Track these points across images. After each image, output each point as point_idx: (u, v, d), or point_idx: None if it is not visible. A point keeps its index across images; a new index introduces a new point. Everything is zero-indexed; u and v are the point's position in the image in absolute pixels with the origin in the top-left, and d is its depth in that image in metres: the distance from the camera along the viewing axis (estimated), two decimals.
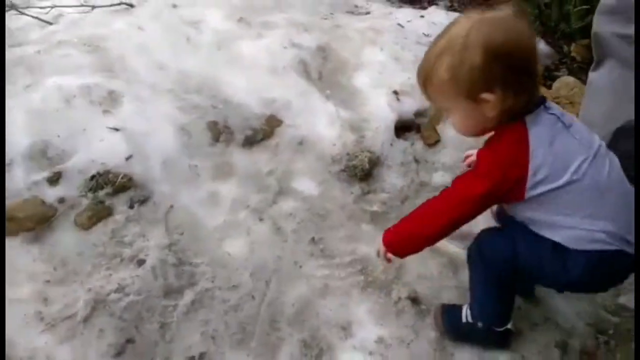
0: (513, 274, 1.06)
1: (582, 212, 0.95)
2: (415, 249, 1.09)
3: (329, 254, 1.32)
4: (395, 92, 1.82)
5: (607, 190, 0.95)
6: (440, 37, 0.97)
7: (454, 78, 0.93)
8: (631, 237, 0.97)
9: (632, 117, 1.34)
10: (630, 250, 0.96)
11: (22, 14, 1.92)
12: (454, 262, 1.34)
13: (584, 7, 2.11)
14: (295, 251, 1.32)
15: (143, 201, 1.41)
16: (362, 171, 1.55)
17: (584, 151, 0.94)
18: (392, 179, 1.58)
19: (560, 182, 0.93)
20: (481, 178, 0.97)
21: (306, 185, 1.50)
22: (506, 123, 0.96)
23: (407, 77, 1.84)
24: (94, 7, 1.96)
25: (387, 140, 1.67)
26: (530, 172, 0.93)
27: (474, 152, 1.16)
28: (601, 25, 1.39)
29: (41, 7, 1.96)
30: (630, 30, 1.30)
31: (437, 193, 1.58)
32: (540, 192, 0.94)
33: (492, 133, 1.01)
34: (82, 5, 1.96)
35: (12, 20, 1.95)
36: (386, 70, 1.90)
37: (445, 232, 1.04)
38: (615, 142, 1.33)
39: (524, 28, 0.93)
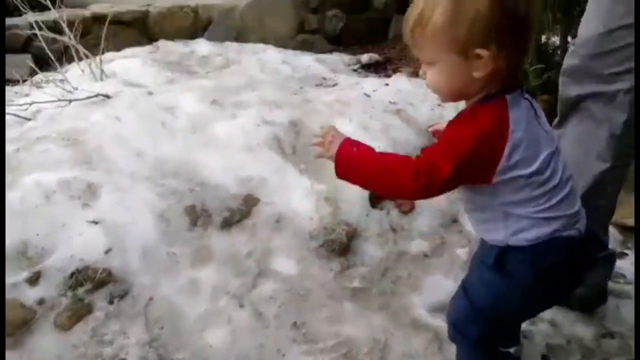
0: (494, 327, 1.06)
1: (537, 204, 0.93)
2: (352, 182, 1.03)
3: (311, 338, 1.32)
4: None
5: (561, 187, 0.95)
6: None
7: (451, 25, 0.85)
8: (580, 226, 0.99)
9: (601, 170, 1.39)
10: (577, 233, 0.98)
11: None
12: (439, 337, 1.34)
13: (540, 65, 2.22)
14: (277, 338, 1.32)
15: (122, 295, 1.41)
16: (340, 245, 1.58)
17: (550, 144, 0.93)
18: (370, 251, 1.60)
19: (528, 170, 0.90)
20: (449, 159, 0.88)
21: (285, 265, 1.52)
22: (486, 97, 0.91)
23: (377, 146, 1.88)
24: (71, 100, 2.02)
25: (363, 211, 1.70)
26: (505, 154, 0.88)
27: (440, 123, 1.13)
28: (565, 86, 1.45)
29: (20, 105, 2.01)
30: (597, 88, 1.35)
31: (416, 262, 1.63)
32: (508, 177, 0.90)
33: (465, 107, 0.95)
34: (59, 100, 2.02)
35: None
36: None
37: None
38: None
39: None
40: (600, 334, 1.43)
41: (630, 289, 1.60)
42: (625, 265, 1.73)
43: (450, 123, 0.95)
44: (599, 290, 1.51)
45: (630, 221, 1.93)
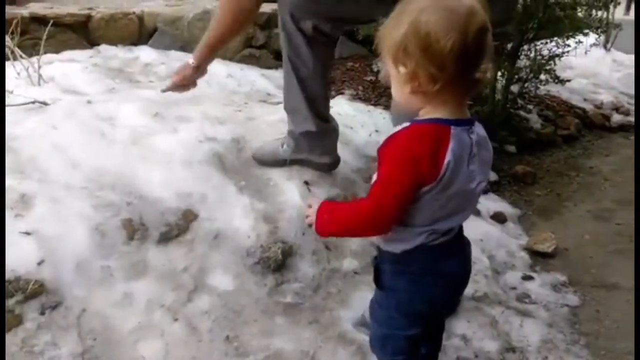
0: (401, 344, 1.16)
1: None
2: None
3: (243, 351, 1.38)
4: (306, 183, 1.95)
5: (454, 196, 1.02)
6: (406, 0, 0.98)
7: (386, 38, 0.97)
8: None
9: None
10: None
11: None
12: (362, 349, 1.43)
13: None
14: (210, 351, 1.36)
15: (55, 307, 1.40)
16: (276, 262, 1.64)
17: (469, 182, 1.02)
18: (304, 268, 1.68)
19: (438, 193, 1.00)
20: (389, 198, 0.99)
21: (221, 281, 1.56)
22: (430, 119, 0.99)
23: None
24: (6, 105, 1.97)
25: (300, 230, 1.78)
26: (433, 183, 0.97)
27: None
28: None
29: None
30: None
31: (346, 278, 1.72)
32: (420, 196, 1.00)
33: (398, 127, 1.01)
34: None
35: None
36: None
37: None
38: None
39: (465, 26, 0.91)
40: (504, 349, 1.58)
41: (534, 308, 1.78)
42: (531, 287, 1.91)
43: (391, 139, 1.01)
44: None
45: (541, 247, 2.13)
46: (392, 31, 0.96)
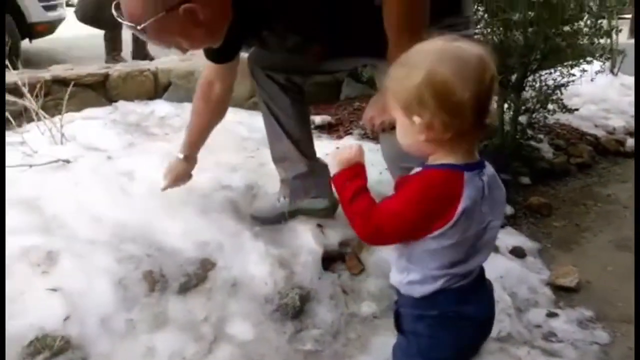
0: None
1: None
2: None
3: None
4: (320, 225, 1.98)
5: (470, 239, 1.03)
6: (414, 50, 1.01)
7: (397, 89, 0.98)
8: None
9: None
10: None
11: None
12: None
13: None
14: None
15: None
16: (294, 309, 1.66)
17: (480, 222, 1.02)
18: (322, 314, 1.69)
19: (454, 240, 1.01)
20: (393, 231, 1.01)
21: (241, 329, 1.58)
22: (443, 164, 1.00)
23: None
24: (31, 165, 2.06)
25: (316, 274, 1.80)
26: (442, 229, 0.98)
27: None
28: None
29: None
30: None
31: (365, 323, 1.72)
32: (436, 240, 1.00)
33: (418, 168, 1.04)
34: (20, 165, 2.06)
35: None
36: None
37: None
38: None
39: (480, 76, 0.94)
40: None
41: (561, 347, 1.73)
42: (557, 324, 1.86)
43: (406, 180, 1.04)
44: None
45: (563, 281, 2.09)
46: (403, 81, 0.97)
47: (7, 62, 2.70)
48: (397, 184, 1.07)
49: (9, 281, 1.55)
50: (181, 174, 1.94)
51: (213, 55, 1.74)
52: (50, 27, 4.95)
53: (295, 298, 1.67)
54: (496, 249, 2.22)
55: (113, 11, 1.31)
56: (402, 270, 1.10)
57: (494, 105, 1.02)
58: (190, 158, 1.94)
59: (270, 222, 1.98)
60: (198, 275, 1.74)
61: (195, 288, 1.71)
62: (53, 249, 1.68)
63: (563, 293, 2.07)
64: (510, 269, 2.13)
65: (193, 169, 1.97)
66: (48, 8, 4.77)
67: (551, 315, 1.90)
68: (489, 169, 1.07)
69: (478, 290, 1.12)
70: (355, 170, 1.07)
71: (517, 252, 2.31)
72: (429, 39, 1.00)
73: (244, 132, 3.03)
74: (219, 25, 1.38)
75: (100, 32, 4.86)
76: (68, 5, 7.13)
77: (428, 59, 0.96)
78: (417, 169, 1.06)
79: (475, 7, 2.82)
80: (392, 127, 1.12)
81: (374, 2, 1.32)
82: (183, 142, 1.92)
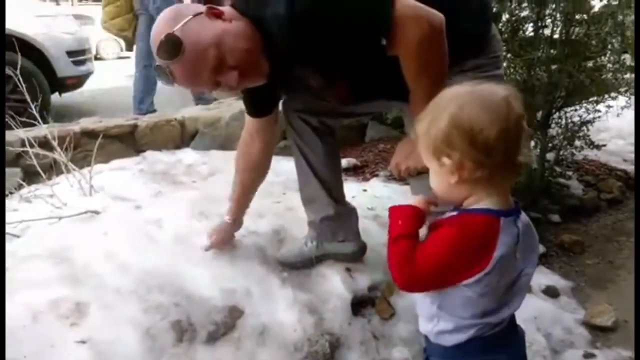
0: None
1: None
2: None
3: None
4: (348, 270, 1.96)
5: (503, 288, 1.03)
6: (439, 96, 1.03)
7: (425, 135, 1.00)
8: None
9: None
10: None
11: None
12: None
13: None
14: None
15: None
16: (324, 356, 1.62)
17: (513, 271, 1.02)
18: None
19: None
20: (424, 280, 1.01)
21: None
22: (478, 209, 1.00)
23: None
24: (60, 217, 2.10)
25: (345, 320, 1.76)
26: (476, 277, 0.98)
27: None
28: None
29: (9, 222, 2.08)
30: None
31: None
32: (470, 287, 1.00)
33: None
34: (49, 217, 2.10)
35: None
36: None
37: None
38: None
39: (505, 114, 0.95)
40: None
41: None
42: None
43: (440, 224, 1.03)
44: None
45: (599, 320, 2.02)
46: (430, 127, 0.99)
47: (37, 116, 2.78)
48: (431, 227, 1.05)
49: (38, 332, 1.55)
50: (227, 237, 1.97)
51: (251, 109, 1.79)
52: (79, 81, 5.12)
53: (325, 345, 1.64)
54: (529, 289, 2.16)
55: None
56: (432, 317, 1.08)
57: (528, 144, 1.01)
58: (237, 221, 1.98)
59: (298, 267, 1.96)
60: (226, 324, 1.71)
61: (223, 337, 1.68)
62: (82, 300, 1.69)
63: (599, 333, 2.01)
64: (544, 310, 2.08)
65: (238, 230, 2.00)
66: (77, 63, 4.96)
67: (588, 356, 1.85)
68: (524, 216, 1.06)
69: (510, 338, 1.10)
70: (416, 212, 1.06)
71: (551, 292, 2.26)
72: (454, 85, 1.02)
73: (270, 176, 3.03)
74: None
75: (125, 84, 4.95)
76: (96, 59, 7.42)
77: (452, 102, 0.98)
78: (451, 213, 1.05)
79: None
80: (418, 173, 1.13)
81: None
82: (229, 206, 1.96)
